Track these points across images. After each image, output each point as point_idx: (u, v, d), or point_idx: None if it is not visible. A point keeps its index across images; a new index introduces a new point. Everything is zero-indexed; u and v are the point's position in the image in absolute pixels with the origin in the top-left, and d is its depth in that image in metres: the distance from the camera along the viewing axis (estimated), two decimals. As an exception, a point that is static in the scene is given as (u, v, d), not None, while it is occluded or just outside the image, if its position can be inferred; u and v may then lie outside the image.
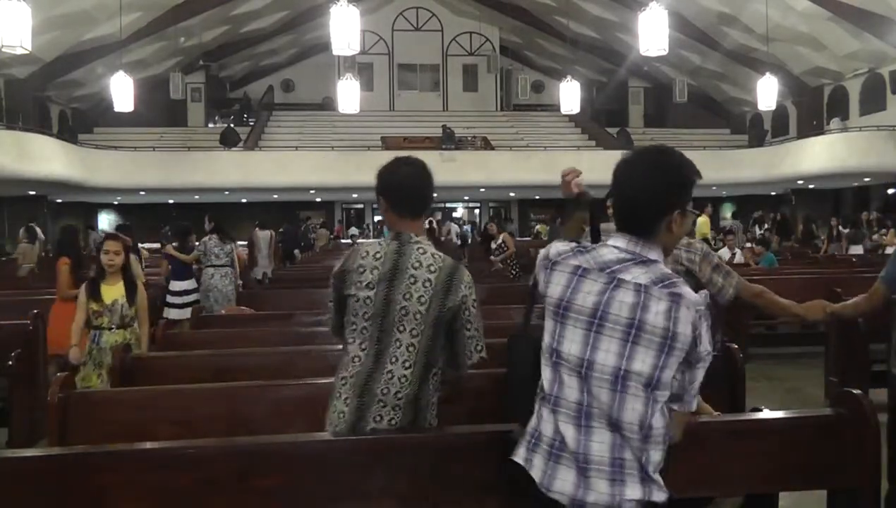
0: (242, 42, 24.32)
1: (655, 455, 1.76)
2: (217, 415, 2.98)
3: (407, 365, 2.24)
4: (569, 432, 1.76)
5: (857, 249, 13.15)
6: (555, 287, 1.82)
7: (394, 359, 2.24)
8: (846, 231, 14.21)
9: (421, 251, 2.27)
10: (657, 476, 1.76)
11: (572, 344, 1.77)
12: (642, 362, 1.71)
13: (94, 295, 4.40)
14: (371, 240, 2.18)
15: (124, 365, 3.68)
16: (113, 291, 4.44)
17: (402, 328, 2.24)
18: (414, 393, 2.26)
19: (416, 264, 2.25)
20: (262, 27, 23.41)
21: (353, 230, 23.48)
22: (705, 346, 1.74)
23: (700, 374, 1.80)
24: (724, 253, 10.92)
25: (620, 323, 1.72)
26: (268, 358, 3.91)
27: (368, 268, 2.26)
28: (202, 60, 24.50)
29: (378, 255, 2.27)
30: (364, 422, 2.26)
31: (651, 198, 1.78)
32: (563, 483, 1.76)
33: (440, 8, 27.36)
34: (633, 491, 1.73)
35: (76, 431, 2.89)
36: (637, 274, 1.74)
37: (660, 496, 1.75)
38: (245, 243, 11.33)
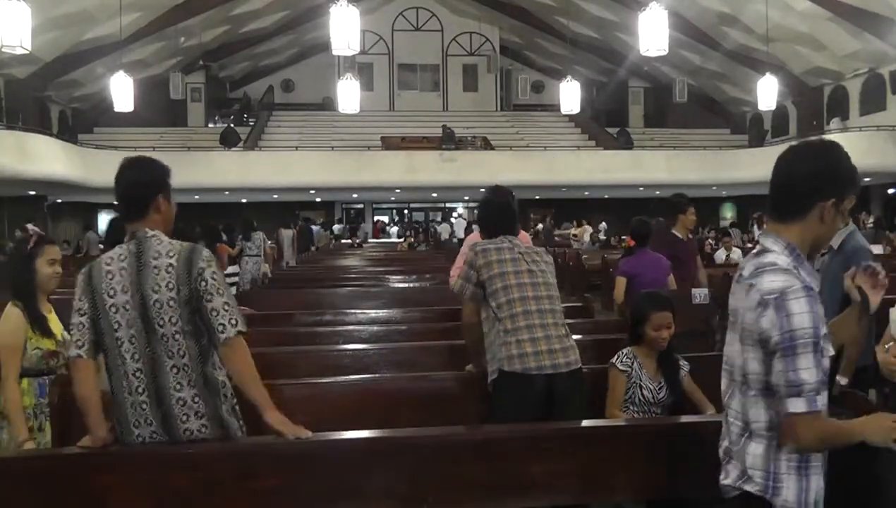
0: (242, 42, 24.30)
1: (753, 448, 1.77)
2: (217, 415, 2.98)
3: (181, 353, 2.18)
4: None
5: (876, 249, 12.95)
6: None
7: (170, 354, 2.18)
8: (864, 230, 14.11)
9: (157, 241, 2.23)
10: (754, 471, 1.76)
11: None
12: (731, 348, 1.81)
13: (44, 327, 2.93)
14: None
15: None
16: (56, 321, 3.03)
17: (161, 322, 2.17)
18: (202, 381, 2.21)
19: (156, 254, 2.21)
20: (262, 27, 23.39)
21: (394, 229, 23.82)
22: (779, 333, 1.65)
23: (785, 367, 1.65)
24: (722, 254, 10.96)
25: (732, 316, 1.83)
26: (268, 358, 3.91)
27: (117, 272, 2.21)
28: (202, 60, 24.46)
29: (122, 257, 2.24)
30: (175, 429, 2.20)
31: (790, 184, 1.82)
32: None
33: (440, 8, 27.33)
34: (727, 477, 1.82)
35: (76, 431, 2.89)
36: (748, 268, 1.80)
37: (752, 487, 1.76)
38: (271, 242, 13.33)
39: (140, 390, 2.19)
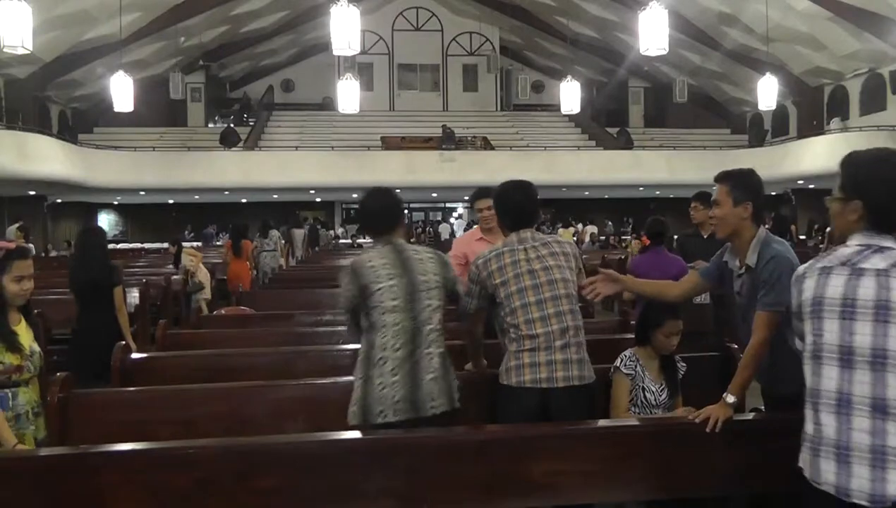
0: (242, 42, 24.30)
1: None
2: (217, 415, 2.99)
3: (438, 323, 2.82)
4: (829, 422, 1.80)
5: None
6: (806, 292, 1.89)
7: (429, 321, 2.78)
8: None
9: (411, 248, 2.91)
10: None
11: (830, 334, 1.82)
12: (884, 338, 1.75)
13: (11, 342, 2.78)
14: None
15: (124, 365, 3.68)
16: (24, 333, 2.89)
17: (429, 295, 2.79)
18: (442, 347, 2.82)
19: (415, 252, 2.87)
20: (262, 27, 23.39)
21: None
22: None
23: None
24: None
25: (868, 307, 1.78)
26: (268, 358, 3.91)
27: (380, 267, 2.80)
28: (202, 60, 24.44)
29: (382, 256, 2.83)
30: (419, 387, 2.70)
31: None
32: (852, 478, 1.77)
33: (440, 8, 27.34)
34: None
35: (76, 431, 2.89)
36: (882, 262, 1.81)
37: None
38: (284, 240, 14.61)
39: (395, 346, 2.71)
